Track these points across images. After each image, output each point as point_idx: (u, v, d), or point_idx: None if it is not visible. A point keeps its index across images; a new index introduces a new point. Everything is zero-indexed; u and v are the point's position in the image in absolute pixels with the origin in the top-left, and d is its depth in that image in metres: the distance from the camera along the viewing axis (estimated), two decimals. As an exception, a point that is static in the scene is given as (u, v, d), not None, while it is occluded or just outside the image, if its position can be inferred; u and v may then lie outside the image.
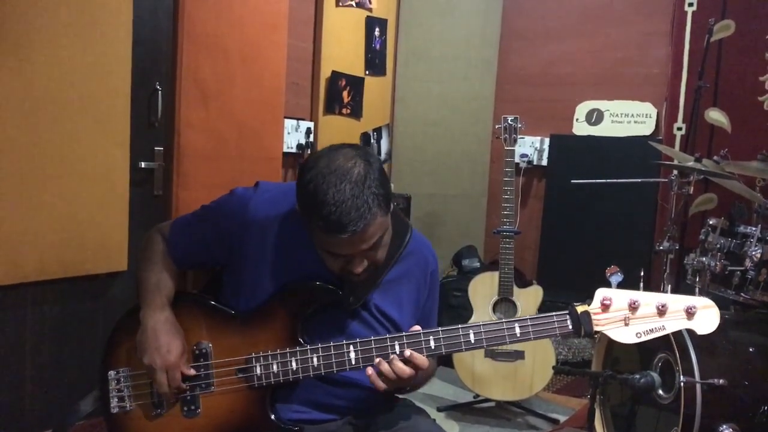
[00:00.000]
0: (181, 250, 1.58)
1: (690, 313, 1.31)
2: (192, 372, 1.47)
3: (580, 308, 1.35)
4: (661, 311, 1.31)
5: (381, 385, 1.37)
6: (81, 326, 2.69)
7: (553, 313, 1.36)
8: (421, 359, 1.36)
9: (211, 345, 1.49)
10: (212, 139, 3.08)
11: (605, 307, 1.33)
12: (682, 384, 2.16)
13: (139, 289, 1.54)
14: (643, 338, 1.32)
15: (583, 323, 1.34)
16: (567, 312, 1.35)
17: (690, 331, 2.22)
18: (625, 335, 1.32)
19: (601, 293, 1.34)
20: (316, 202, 1.31)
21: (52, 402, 2.61)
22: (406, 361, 1.36)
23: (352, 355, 1.40)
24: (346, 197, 1.29)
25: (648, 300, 1.32)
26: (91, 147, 2.59)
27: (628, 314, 1.33)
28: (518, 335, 1.37)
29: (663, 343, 2.33)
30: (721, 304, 1.83)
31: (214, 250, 1.55)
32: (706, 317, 1.32)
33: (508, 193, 3.17)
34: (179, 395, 1.47)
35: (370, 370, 1.37)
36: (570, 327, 1.35)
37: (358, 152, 1.36)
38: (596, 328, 1.33)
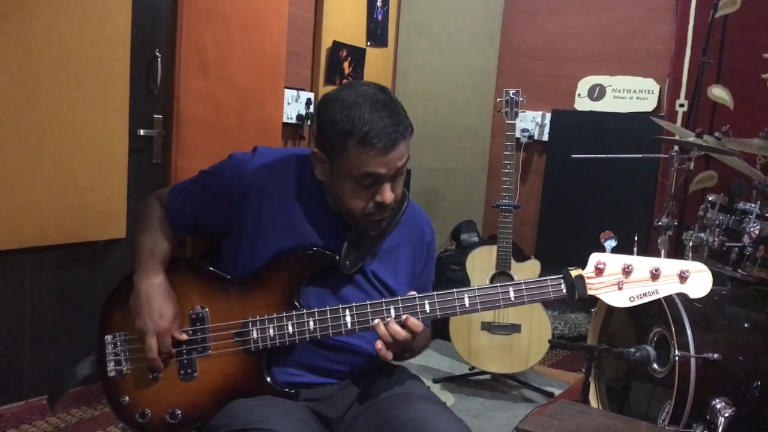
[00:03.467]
0: (180, 215, 1.58)
1: (683, 277, 1.31)
2: (184, 337, 1.47)
3: (574, 272, 1.35)
4: (655, 275, 1.32)
5: (388, 355, 1.38)
6: (79, 292, 2.70)
7: (547, 277, 1.37)
8: (415, 323, 1.37)
9: (207, 309, 1.49)
10: (212, 108, 3.06)
11: (599, 272, 1.34)
12: (676, 358, 2.17)
13: (135, 253, 1.54)
14: (637, 302, 1.32)
15: (577, 287, 1.34)
16: (561, 276, 1.36)
17: (686, 305, 2.26)
18: (619, 299, 1.33)
19: (595, 257, 1.35)
20: (352, 121, 1.34)
21: (50, 367, 2.63)
22: (402, 325, 1.37)
23: (348, 319, 1.40)
24: (383, 114, 1.34)
25: (641, 264, 1.32)
26: (90, 113, 2.58)
27: (622, 278, 1.33)
28: (512, 299, 1.37)
29: (659, 318, 2.35)
30: (718, 280, 1.84)
31: (213, 215, 1.55)
32: (699, 281, 1.32)
33: (508, 167, 3.16)
34: (169, 360, 1.48)
35: (379, 344, 1.38)
36: (564, 291, 1.35)
37: (377, 85, 1.42)
38: (590, 292, 1.34)
